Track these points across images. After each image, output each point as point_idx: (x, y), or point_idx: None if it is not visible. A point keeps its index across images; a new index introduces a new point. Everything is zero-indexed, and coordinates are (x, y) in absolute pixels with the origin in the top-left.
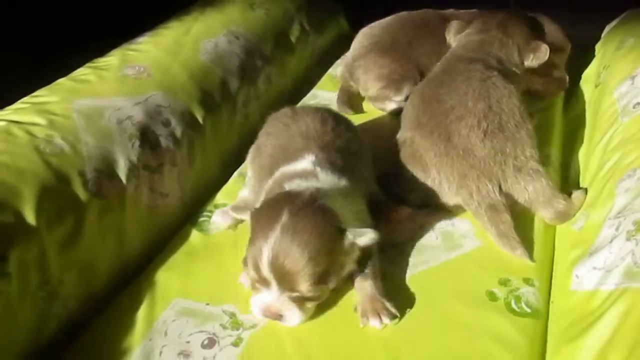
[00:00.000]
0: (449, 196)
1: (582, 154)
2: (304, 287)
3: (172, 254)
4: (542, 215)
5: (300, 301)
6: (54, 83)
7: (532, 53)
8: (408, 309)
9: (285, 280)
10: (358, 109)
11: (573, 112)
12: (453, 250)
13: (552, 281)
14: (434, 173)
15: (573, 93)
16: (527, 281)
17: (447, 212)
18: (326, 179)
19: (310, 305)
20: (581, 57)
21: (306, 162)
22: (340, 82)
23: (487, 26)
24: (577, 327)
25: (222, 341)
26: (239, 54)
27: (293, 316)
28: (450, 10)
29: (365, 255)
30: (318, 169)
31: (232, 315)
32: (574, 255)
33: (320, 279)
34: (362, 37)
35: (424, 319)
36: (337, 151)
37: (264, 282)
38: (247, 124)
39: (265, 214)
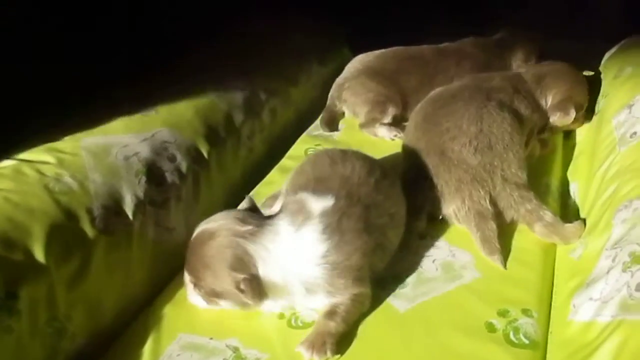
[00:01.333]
0: (447, 203)
1: (581, 182)
2: (190, 283)
3: (178, 289)
4: (534, 230)
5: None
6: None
7: (560, 112)
8: (408, 341)
9: (187, 267)
10: (334, 129)
11: (573, 140)
12: (453, 281)
13: (552, 311)
14: (435, 180)
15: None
16: (525, 312)
17: (447, 242)
18: (306, 234)
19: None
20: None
21: (319, 204)
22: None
23: (537, 74)
24: (575, 358)
25: None
26: (242, 88)
27: (192, 298)
28: (446, 44)
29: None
30: (316, 219)
31: (236, 349)
32: (572, 285)
33: (205, 293)
34: (356, 62)
35: (424, 351)
36: (366, 207)
37: None
38: (252, 156)
39: (219, 215)
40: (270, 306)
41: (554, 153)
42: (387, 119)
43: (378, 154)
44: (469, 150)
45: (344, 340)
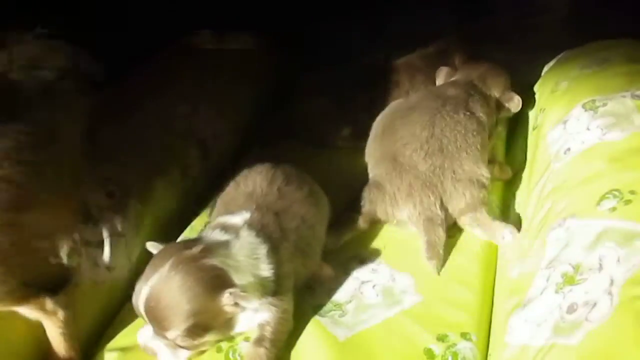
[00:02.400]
0: (401, 208)
1: (520, 199)
2: (172, 335)
3: (116, 332)
4: (461, 221)
5: (173, 346)
6: None
7: (508, 103)
8: None
9: (155, 324)
10: None
11: (513, 154)
12: (393, 307)
13: (491, 333)
14: (388, 187)
15: (514, 134)
16: (464, 336)
17: (388, 266)
18: (245, 239)
19: (184, 352)
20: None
21: (238, 219)
22: None
23: (469, 77)
24: None
25: None
26: (185, 115)
27: (165, 357)
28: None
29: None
30: (244, 228)
31: None
32: (510, 305)
33: (190, 332)
34: None
35: None
36: (276, 213)
37: (144, 319)
38: (195, 187)
39: (158, 257)
40: (248, 320)
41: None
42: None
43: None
44: (419, 154)
45: None
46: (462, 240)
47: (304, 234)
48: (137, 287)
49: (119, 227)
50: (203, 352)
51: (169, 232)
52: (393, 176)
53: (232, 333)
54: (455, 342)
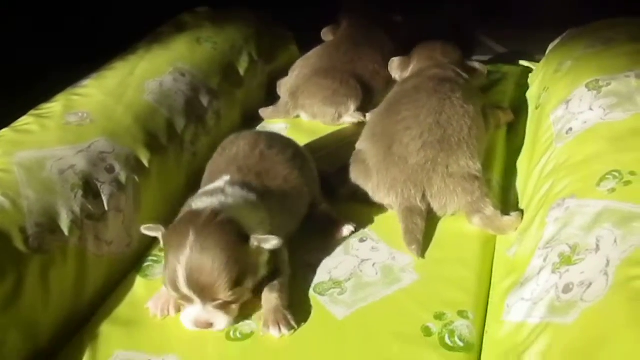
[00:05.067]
0: (383, 196)
1: (521, 178)
2: (223, 294)
3: (116, 305)
4: (472, 221)
5: (224, 307)
6: None
7: (474, 72)
8: (345, 349)
9: (204, 293)
10: None
11: (516, 133)
12: (392, 285)
13: (488, 311)
14: (374, 175)
15: (518, 114)
16: (461, 314)
17: (388, 245)
18: (233, 194)
19: (234, 306)
20: (528, 76)
21: (220, 182)
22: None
23: (433, 57)
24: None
25: None
26: (185, 92)
27: (221, 321)
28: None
29: (275, 260)
30: (227, 186)
31: None
32: (507, 284)
33: (236, 283)
34: (301, 67)
35: (361, 358)
36: (257, 174)
37: (187, 299)
38: (196, 161)
39: (174, 236)
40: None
41: (496, 147)
42: (350, 112)
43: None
44: (416, 144)
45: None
46: (460, 219)
47: (288, 194)
48: (170, 271)
49: (118, 202)
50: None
51: (170, 208)
52: (382, 167)
53: (259, 277)
54: (452, 319)
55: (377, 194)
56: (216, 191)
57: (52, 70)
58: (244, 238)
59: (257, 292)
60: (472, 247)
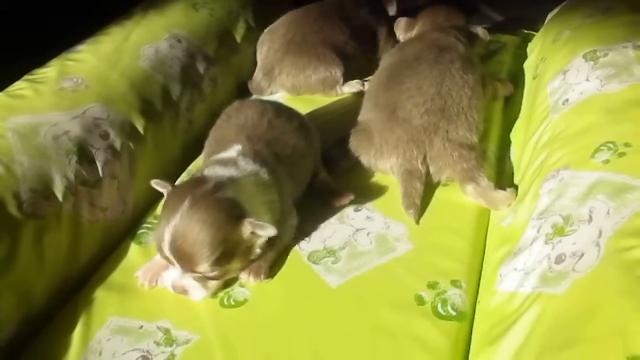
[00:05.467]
0: (385, 159)
1: (517, 149)
2: (202, 268)
3: (111, 271)
4: (465, 190)
5: (202, 280)
6: None
7: (476, 38)
8: (339, 317)
9: (184, 261)
10: None
11: (513, 104)
12: (386, 254)
13: (481, 280)
14: (377, 139)
15: (515, 84)
16: (454, 283)
17: (382, 215)
18: (245, 168)
19: (213, 282)
20: (526, 45)
21: (232, 151)
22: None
23: (435, 21)
24: (497, 329)
25: (155, 358)
26: (180, 58)
27: (196, 292)
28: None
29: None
30: (240, 158)
31: (167, 331)
32: (501, 254)
33: (218, 262)
34: (270, 42)
35: (354, 326)
36: (267, 142)
37: (169, 261)
38: (192, 129)
39: (173, 198)
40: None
41: (492, 117)
42: (339, 83)
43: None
44: (419, 110)
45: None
46: (456, 189)
47: (295, 162)
48: (159, 230)
49: (113, 169)
50: (229, 280)
51: (165, 175)
52: (385, 128)
53: (253, 257)
54: (445, 289)
55: (378, 158)
56: (229, 162)
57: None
58: (237, 219)
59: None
60: (467, 217)
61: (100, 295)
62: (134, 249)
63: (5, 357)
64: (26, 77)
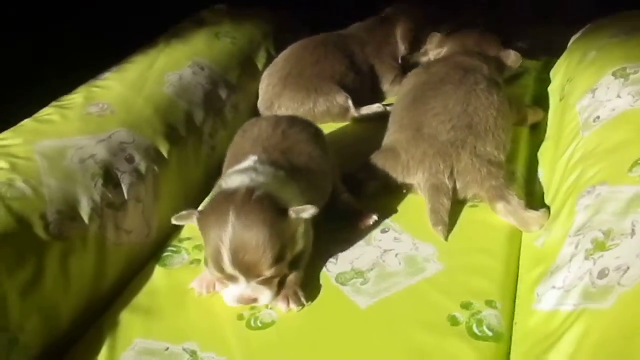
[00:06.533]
0: (412, 175)
1: (546, 169)
2: (268, 271)
3: (136, 294)
4: (495, 209)
5: (267, 282)
6: (17, 125)
7: (506, 60)
8: (370, 338)
9: (249, 271)
10: None
11: (539, 127)
12: (416, 275)
13: (516, 301)
14: (403, 156)
15: (540, 106)
16: (489, 304)
17: (411, 236)
18: (264, 171)
19: (275, 281)
20: (550, 69)
21: (249, 162)
22: None
23: (465, 45)
24: (538, 348)
25: None
26: (204, 85)
27: (266, 296)
28: (337, 33)
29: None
30: (258, 165)
31: (193, 353)
32: (537, 274)
33: (278, 259)
34: (269, 79)
35: (387, 348)
36: (283, 152)
37: (231, 279)
38: (214, 155)
39: (212, 217)
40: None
41: (519, 139)
42: (351, 107)
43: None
44: (446, 127)
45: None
46: (484, 210)
47: (313, 170)
48: (214, 252)
49: (138, 192)
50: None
51: (189, 201)
52: (411, 145)
53: (297, 250)
54: (480, 309)
55: (406, 175)
56: (247, 170)
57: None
58: (283, 212)
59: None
60: (498, 238)
61: (125, 317)
62: (158, 272)
63: None
64: (54, 103)
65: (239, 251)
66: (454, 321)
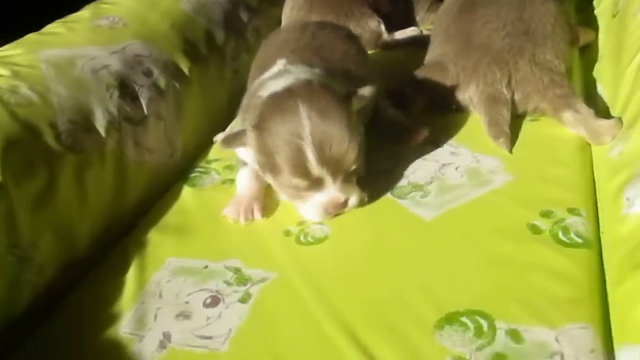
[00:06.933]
0: (462, 89)
1: (607, 85)
2: (355, 162)
3: (163, 213)
4: (562, 118)
5: (349, 180)
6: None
7: None
8: (441, 248)
9: (338, 166)
10: None
11: (590, 47)
12: (482, 187)
13: (599, 212)
14: (452, 69)
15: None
16: (572, 211)
17: (470, 150)
18: (299, 71)
19: (355, 179)
20: None
21: (278, 66)
22: None
23: None
24: (637, 255)
25: (227, 298)
26: (223, 5)
27: (355, 197)
28: None
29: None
30: (290, 67)
31: (237, 270)
32: (620, 180)
33: (359, 148)
34: (293, 1)
35: (462, 257)
36: (314, 50)
37: (316, 183)
38: (238, 79)
39: (275, 121)
40: None
41: (571, 65)
42: (383, 32)
43: None
44: (499, 34)
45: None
46: (547, 123)
47: (351, 69)
48: (293, 156)
49: (158, 108)
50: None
51: (212, 126)
52: (460, 56)
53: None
54: (563, 217)
55: (456, 90)
56: (279, 74)
57: None
58: (347, 97)
59: None
60: (567, 149)
61: (154, 237)
62: (187, 192)
63: (45, 302)
64: (58, 20)
65: (325, 145)
66: (535, 229)
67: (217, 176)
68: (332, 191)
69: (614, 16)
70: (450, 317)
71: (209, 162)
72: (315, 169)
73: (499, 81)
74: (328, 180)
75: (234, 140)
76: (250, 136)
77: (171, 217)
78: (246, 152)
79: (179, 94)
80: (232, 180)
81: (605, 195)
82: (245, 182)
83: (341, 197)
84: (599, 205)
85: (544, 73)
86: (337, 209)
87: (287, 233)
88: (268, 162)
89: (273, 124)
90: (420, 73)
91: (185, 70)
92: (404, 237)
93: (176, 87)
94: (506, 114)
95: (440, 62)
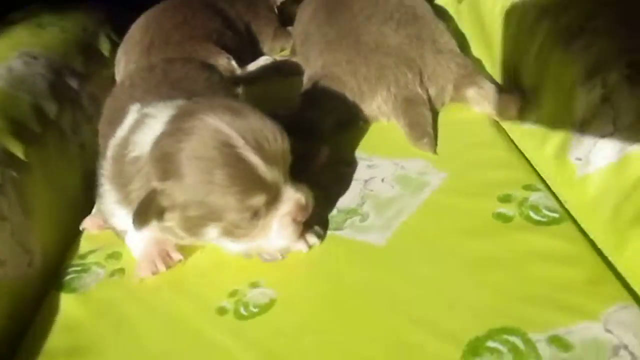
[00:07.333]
0: (368, 100)
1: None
2: (289, 149)
3: (44, 337)
4: (466, 96)
5: (291, 177)
6: None
7: None
8: (412, 271)
9: (283, 160)
10: None
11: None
12: (420, 191)
13: (550, 183)
14: (351, 81)
15: None
16: (529, 188)
17: (389, 158)
18: (162, 109)
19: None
20: None
21: (132, 114)
22: None
23: None
24: (627, 207)
25: None
26: (44, 75)
27: (309, 194)
28: None
29: None
30: (149, 109)
31: None
32: (554, 146)
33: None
34: (126, 55)
35: (440, 272)
36: (170, 85)
37: (273, 191)
38: (86, 154)
39: (186, 154)
40: None
41: None
42: (235, 66)
43: None
44: (390, 26)
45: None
46: (456, 108)
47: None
48: (233, 164)
49: None
50: None
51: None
52: (357, 63)
53: None
54: (525, 196)
55: (361, 102)
56: (139, 122)
57: None
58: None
59: None
60: (484, 130)
61: None
62: (68, 300)
63: None
64: None
65: (261, 140)
66: (503, 218)
67: (100, 270)
68: (291, 194)
69: (459, 2)
70: (475, 347)
71: (83, 256)
72: (267, 172)
73: (411, 82)
74: (282, 183)
75: (148, 208)
76: (167, 190)
77: (57, 338)
78: (126, 218)
79: (19, 185)
80: (122, 270)
81: (547, 164)
82: (142, 237)
83: (302, 197)
84: (543, 176)
85: (449, 59)
86: (305, 214)
87: (221, 311)
88: (201, 212)
89: (188, 158)
90: (313, 91)
91: (21, 155)
92: (363, 272)
93: (14, 176)
94: (427, 114)
95: (330, 74)
